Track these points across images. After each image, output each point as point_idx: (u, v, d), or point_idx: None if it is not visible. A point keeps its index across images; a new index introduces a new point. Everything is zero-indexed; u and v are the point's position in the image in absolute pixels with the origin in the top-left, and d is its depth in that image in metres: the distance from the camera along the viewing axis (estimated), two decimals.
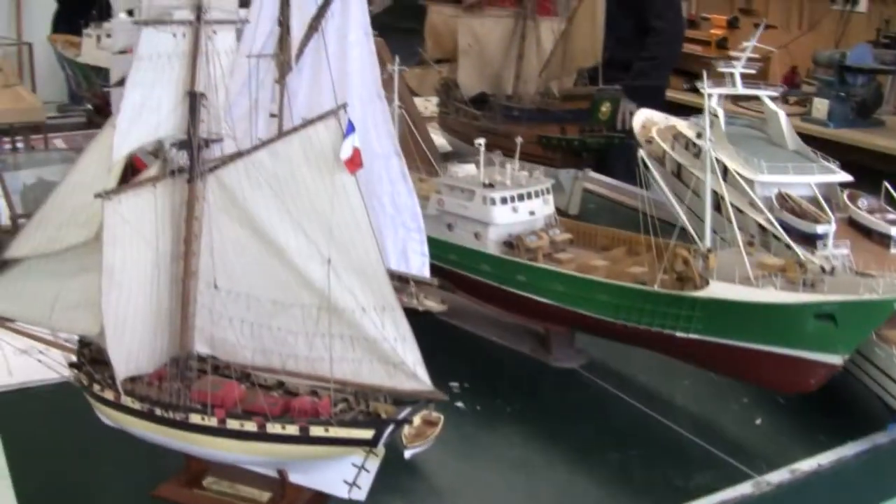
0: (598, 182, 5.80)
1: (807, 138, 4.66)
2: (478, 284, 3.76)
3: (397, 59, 4.03)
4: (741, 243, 3.20)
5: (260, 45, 3.17)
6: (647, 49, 6.54)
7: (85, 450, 3.14)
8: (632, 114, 6.52)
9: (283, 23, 3.25)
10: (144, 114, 2.56)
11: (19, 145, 4.99)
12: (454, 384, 3.54)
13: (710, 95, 3.98)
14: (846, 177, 4.10)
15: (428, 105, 6.47)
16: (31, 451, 3.15)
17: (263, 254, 2.66)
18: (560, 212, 5.25)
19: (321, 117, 2.47)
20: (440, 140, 6.09)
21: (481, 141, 3.72)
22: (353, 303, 2.62)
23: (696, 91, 7.30)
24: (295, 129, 2.51)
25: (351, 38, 3.28)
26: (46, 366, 2.92)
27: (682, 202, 3.73)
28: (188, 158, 2.61)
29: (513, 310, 3.73)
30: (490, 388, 3.60)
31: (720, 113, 4.31)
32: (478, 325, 3.96)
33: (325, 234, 2.54)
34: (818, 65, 7.27)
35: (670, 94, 7.43)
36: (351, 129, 2.45)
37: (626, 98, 6.72)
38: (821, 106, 7.16)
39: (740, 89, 4.30)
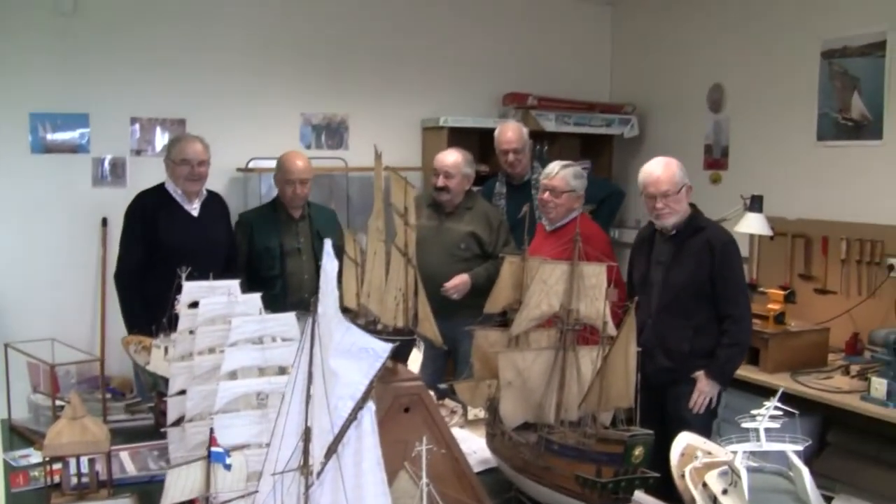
0: None
1: (867, 420, 4.72)
2: None
3: (424, 439, 4.23)
4: None
5: (284, 463, 3.42)
6: (727, 335, 6.63)
7: None
8: (712, 400, 6.52)
9: (305, 445, 3.50)
10: None
11: (83, 469, 5.24)
12: None
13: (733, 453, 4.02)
14: None
15: (480, 412, 6.62)
16: None
17: None
18: None
19: None
20: (486, 454, 6.25)
21: None
22: None
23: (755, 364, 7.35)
24: None
25: (364, 465, 3.50)
26: None
27: None
28: None
29: None
30: None
31: (743, 473, 4.30)
32: None
33: None
34: (874, 343, 7.21)
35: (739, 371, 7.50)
36: None
37: (712, 381, 6.69)
38: (879, 386, 7.07)
39: (765, 445, 4.30)
